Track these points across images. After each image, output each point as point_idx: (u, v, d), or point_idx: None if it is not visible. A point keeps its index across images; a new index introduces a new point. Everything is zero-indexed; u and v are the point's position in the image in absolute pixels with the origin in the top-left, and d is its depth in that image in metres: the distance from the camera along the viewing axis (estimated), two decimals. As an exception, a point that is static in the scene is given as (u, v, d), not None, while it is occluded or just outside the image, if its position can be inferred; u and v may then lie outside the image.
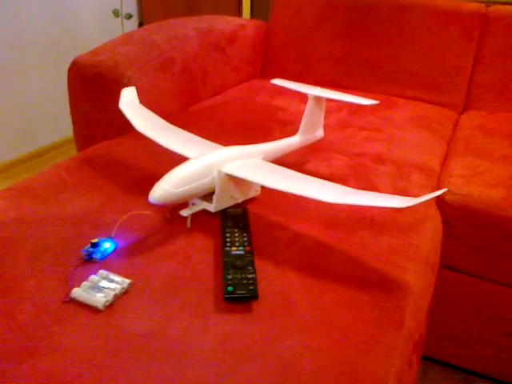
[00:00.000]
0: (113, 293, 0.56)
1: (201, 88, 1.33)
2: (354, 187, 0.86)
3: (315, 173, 0.91)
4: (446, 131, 1.22)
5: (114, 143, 1.01)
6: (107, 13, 2.26)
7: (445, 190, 0.60)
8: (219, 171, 0.69)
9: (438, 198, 0.91)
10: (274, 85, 0.95)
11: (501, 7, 1.38)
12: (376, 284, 0.62)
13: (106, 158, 0.94)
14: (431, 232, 0.78)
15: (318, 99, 0.87)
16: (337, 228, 0.73)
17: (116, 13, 2.25)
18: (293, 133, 0.89)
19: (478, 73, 1.39)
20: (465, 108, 1.41)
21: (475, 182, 0.92)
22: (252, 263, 0.61)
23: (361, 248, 0.69)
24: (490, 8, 1.38)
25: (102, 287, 0.57)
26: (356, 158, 0.98)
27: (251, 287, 0.57)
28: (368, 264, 0.66)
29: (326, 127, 0.91)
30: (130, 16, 2.29)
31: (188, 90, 1.28)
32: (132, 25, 2.39)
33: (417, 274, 0.66)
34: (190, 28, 1.37)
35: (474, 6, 1.38)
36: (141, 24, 2.45)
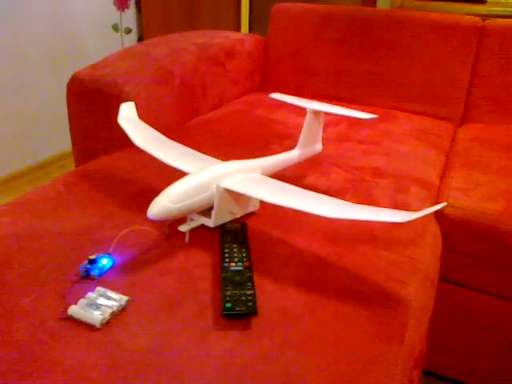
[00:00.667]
0: (110, 310, 0.55)
1: (200, 102, 1.34)
2: (352, 201, 0.87)
3: (314, 187, 0.91)
4: (445, 144, 1.22)
5: (112, 157, 1.01)
6: (107, 27, 2.28)
7: (444, 204, 0.60)
8: (218, 186, 0.69)
9: (437, 211, 0.91)
10: (273, 99, 0.95)
11: (497, 20, 1.39)
12: (376, 299, 0.62)
13: (105, 173, 0.94)
14: (431, 246, 0.78)
15: (316, 113, 0.87)
16: (336, 242, 0.73)
17: (115, 27, 2.27)
18: (291, 147, 0.89)
19: (475, 85, 1.40)
20: (463, 120, 1.42)
21: (474, 195, 0.92)
22: (251, 279, 0.60)
23: (361, 263, 0.69)
24: (487, 21, 1.39)
25: (99, 304, 0.56)
26: (355, 171, 0.98)
27: (250, 303, 0.56)
28: (368, 279, 0.65)
29: (324, 140, 0.91)
30: (129, 31, 2.31)
31: (187, 103, 1.28)
32: (131, 39, 2.41)
33: (417, 289, 0.66)
34: (189, 42, 1.37)
35: (470, 19, 1.40)
36: (140, 39, 2.46)
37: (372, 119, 0.86)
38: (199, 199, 0.67)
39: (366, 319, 0.58)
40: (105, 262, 0.64)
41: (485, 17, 1.45)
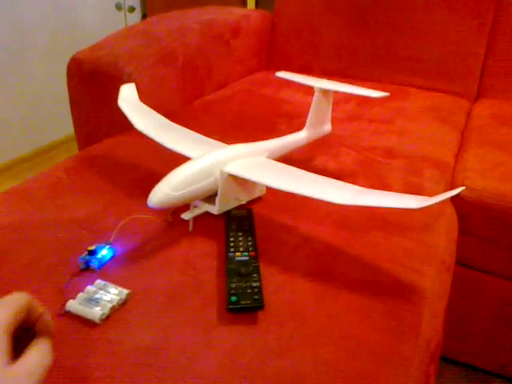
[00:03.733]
0: (110, 305, 0.53)
1: (204, 82, 1.29)
2: (364, 184, 0.82)
3: (323, 169, 0.87)
4: (459, 121, 1.17)
5: (115, 141, 0.98)
6: (110, 7, 2.23)
7: (462, 188, 0.56)
8: (222, 171, 0.65)
9: (452, 193, 0.87)
10: (280, 77, 0.91)
11: (515, -10, 1.32)
12: (390, 289, 0.59)
13: (107, 158, 0.91)
14: (446, 230, 0.74)
15: (324, 92, 0.83)
16: (347, 229, 0.69)
17: (118, 6, 2.21)
18: (299, 127, 0.85)
19: (491, 59, 1.34)
20: (478, 96, 1.36)
21: (491, 175, 0.88)
22: (257, 270, 0.57)
23: (373, 250, 0.65)
24: (504, -8, 1.32)
25: (99, 299, 0.54)
26: (366, 152, 0.94)
27: (256, 296, 0.53)
28: (381, 268, 0.62)
29: (333, 120, 0.87)
30: (132, 9, 2.25)
31: (191, 84, 1.24)
32: (135, 18, 2.36)
33: (432, 278, 0.62)
34: (192, 20, 1.32)
35: (486, -11, 1.33)
36: (144, 16, 2.41)
37: (383, 97, 0.81)
38: (202, 186, 0.64)
39: (379, 312, 0.55)
40: (105, 252, 0.61)
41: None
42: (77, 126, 1.14)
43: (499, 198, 0.83)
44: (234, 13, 1.47)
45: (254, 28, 1.49)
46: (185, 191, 0.61)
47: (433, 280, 0.62)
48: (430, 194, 0.82)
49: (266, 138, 0.96)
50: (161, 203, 0.60)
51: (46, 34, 1.98)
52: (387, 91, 1.33)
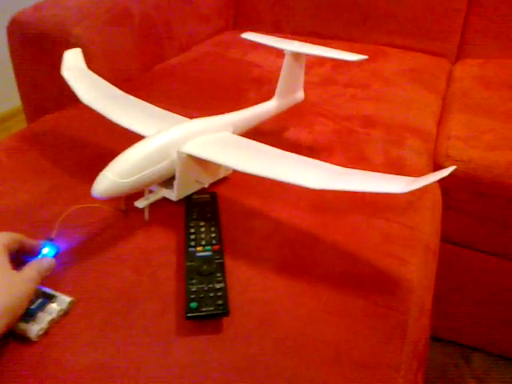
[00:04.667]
0: (49, 318, 0.45)
1: (165, 44, 1.18)
2: (341, 158, 0.76)
3: (296, 142, 0.79)
4: (440, 84, 1.10)
5: (63, 115, 0.88)
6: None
7: (453, 168, 0.49)
8: (179, 152, 0.57)
9: (435, 164, 0.81)
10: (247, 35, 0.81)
11: None
12: (371, 283, 0.52)
13: (54, 134, 0.81)
14: (431, 209, 0.68)
15: (296, 56, 0.74)
16: (323, 212, 0.62)
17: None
18: (270, 94, 0.76)
19: (472, 16, 1.26)
20: (458, 56, 1.28)
21: (476, 144, 0.81)
22: (221, 267, 0.50)
23: (352, 236, 0.58)
24: None
25: (35, 311, 0.45)
26: (342, 121, 0.86)
27: (220, 301, 0.46)
28: (361, 257, 0.55)
29: (306, 85, 0.78)
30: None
31: (150, 46, 1.13)
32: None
33: (418, 266, 0.56)
34: (149, -26, 1.19)
35: None
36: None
37: (361, 60, 0.72)
38: (156, 170, 0.55)
39: (361, 311, 0.48)
40: (46, 251, 0.52)
41: None
42: (23, 96, 1.03)
43: (486, 169, 0.77)
44: (197, -34, 1.33)
45: (219, -17, 1.37)
46: (135, 177, 0.53)
47: (418, 269, 0.56)
48: (413, 167, 0.76)
49: (234, 108, 0.87)
50: (107, 193, 0.51)
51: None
52: (363, 52, 1.24)
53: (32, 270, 0.46)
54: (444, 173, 0.49)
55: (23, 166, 0.72)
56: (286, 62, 0.74)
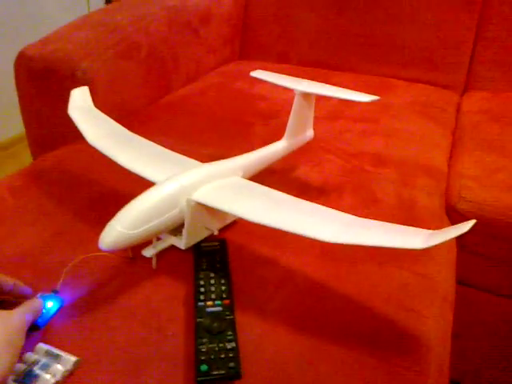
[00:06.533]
0: (52, 381, 0.43)
1: (172, 75, 1.18)
2: (352, 200, 0.74)
3: (305, 182, 0.78)
4: (449, 118, 1.09)
5: (69, 151, 0.87)
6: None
7: (473, 222, 0.47)
8: (188, 200, 0.55)
9: (448, 205, 0.79)
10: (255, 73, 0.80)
11: (505, -27, 1.23)
12: (387, 340, 0.50)
13: (60, 172, 0.79)
14: (446, 255, 0.66)
15: (306, 95, 0.73)
16: (334, 259, 0.61)
17: (80, -13, 2.05)
18: (276, 128, 0.75)
19: (480, 48, 1.25)
20: (466, 88, 1.28)
21: (489, 184, 0.80)
22: (233, 325, 0.48)
23: (365, 287, 0.57)
24: (493, -26, 1.23)
25: (39, 373, 0.44)
26: (352, 159, 0.85)
27: (232, 364, 0.44)
28: (375, 310, 0.53)
29: (314, 119, 0.77)
30: (95, -10, 2.09)
31: (157, 78, 1.12)
32: (98, 1, 2.19)
33: (436, 320, 0.54)
34: (157, 7, 1.19)
35: (475, -28, 1.23)
36: (108, 1, 2.24)
37: (373, 101, 0.71)
38: (165, 219, 0.54)
39: (376, 373, 0.46)
40: (50, 304, 0.51)
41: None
42: (28, 129, 1.02)
43: (499, 211, 0.75)
44: (204, -3, 1.34)
45: (226, 14, 1.37)
46: (144, 228, 0.51)
47: (436, 324, 0.54)
48: (425, 209, 0.74)
49: (241, 143, 0.87)
50: (115, 245, 0.50)
51: (2, 21, 1.80)
52: (370, 83, 1.24)
53: (22, 306, 0.47)
54: (464, 228, 0.47)
55: (27, 206, 0.70)
56: (296, 101, 0.73)
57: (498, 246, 0.77)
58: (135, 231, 0.50)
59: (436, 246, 0.61)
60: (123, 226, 0.50)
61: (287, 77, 0.78)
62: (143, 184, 0.58)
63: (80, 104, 0.74)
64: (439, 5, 1.24)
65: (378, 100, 0.68)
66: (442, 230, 0.48)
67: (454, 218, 0.78)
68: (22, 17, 1.90)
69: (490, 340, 0.86)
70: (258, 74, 0.80)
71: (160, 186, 0.55)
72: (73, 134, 0.92)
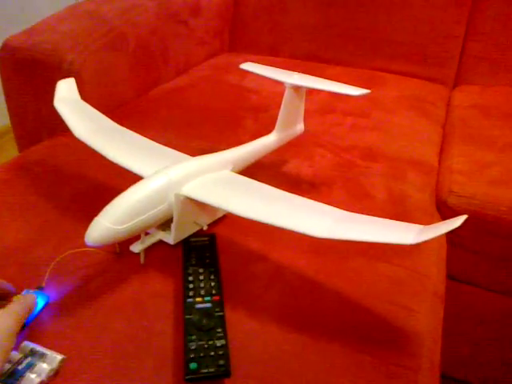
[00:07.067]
0: (37, 380, 0.42)
1: (161, 68, 1.16)
2: (343, 194, 0.74)
3: (296, 176, 0.77)
4: (440, 112, 1.09)
5: (55, 143, 0.85)
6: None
7: (464, 217, 0.47)
8: (177, 195, 0.54)
9: (438, 200, 0.79)
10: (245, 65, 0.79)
11: (496, -33, 1.22)
12: (378, 336, 0.50)
13: (47, 165, 0.78)
14: (436, 250, 0.66)
15: (296, 88, 0.72)
16: (326, 255, 0.60)
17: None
18: (267, 121, 0.74)
19: (471, 42, 1.25)
20: (456, 82, 1.28)
21: (479, 178, 0.80)
22: (222, 321, 0.47)
23: (356, 283, 0.56)
24: (484, -32, 1.23)
25: (23, 372, 0.43)
26: (343, 153, 0.84)
27: (221, 361, 0.43)
28: (366, 306, 0.53)
29: (305, 113, 0.76)
30: (82, -20, 2.05)
31: (145, 71, 1.10)
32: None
33: (427, 316, 0.54)
34: (145, -3, 1.18)
35: (466, -35, 1.23)
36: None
37: (364, 95, 0.70)
38: (153, 214, 0.53)
39: (369, 369, 0.46)
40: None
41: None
42: (14, 121, 1.00)
43: (489, 206, 0.75)
44: (193, -12, 1.32)
45: (215, 5, 1.35)
46: (131, 223, 0.50)
47: (427, 319, 0.54)
48: (416, 204, 0.74)
49: (231, 137, 0.86)
50: (102, 240, 0.48)
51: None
52: (361, 76, 1.23)
53: (15, 304, 0.45)
54: (455, 223, 0.46)
55: (13, 200, 0.69)
56: (287, 95, 0.72)
57: (488, 241, 0.77)
58: (122, 226, 0.49)
59: (427, 241, 0.61)
60: (110, 221, 0.49)
61: (277, 69, 0.77)
62: (131, 178, 0.57)
63: (66, 96, 0.73)
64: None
65: (368, 94, 0.67)
66: (433, 225, 0.48)
67: (445, 212, 0.77)
68: (7, 6, 1.86)
69: (480, 335, 0.86)
70: (248, 66, 0.79)
71: (148, 180, 0.54)
72: (59, 127, 0.91)
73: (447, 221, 0.47)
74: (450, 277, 0.82)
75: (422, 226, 0.48)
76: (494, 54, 1.23)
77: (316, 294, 0.54)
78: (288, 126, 0.74)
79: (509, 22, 1.21)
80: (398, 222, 0.49)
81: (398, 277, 0.58)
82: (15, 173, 0.75)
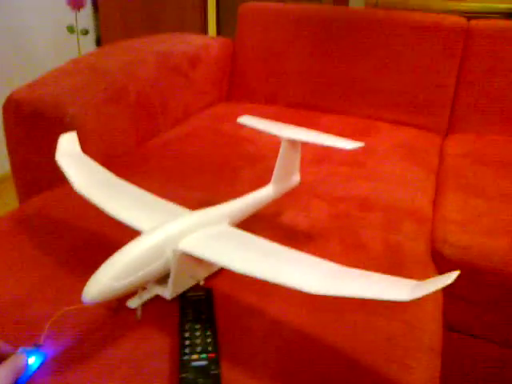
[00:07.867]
0: None
1: (160, 118, 1.19)
2: (338, 246, 0.74)
3: (293, 228, 0.78)
4: (433, 160, 1.11)
5: (56, 195, 0.86)
6: (61, 29, 2.09)
7: (457, 273, 0.48)
8: (175, 250, 0.55)
9: (434, 251, 0.80)
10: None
11: (483, 21, 1.28)
12: (375, 394, 0.49)
13: (46, 217, 0.79)
14: (432, 302, 0.66)
15: (292, 141, 0.74)
16: (322, 309, 0.60)
17: (71, 29, 2.08)
18: (264, 172, 0.75)
19: (461, 92, 1.29)
20: (449, 130, 1.31)
21: (474, 229, 0.81)
22: (218, 380, 0.47)
23: (352, 338, 0.56)
24: (472, 22, 1.28)
25: None
26: (339, 203, 0.86)
27: (217, 423, 0.43)
28: (362, 364, 0.53)
29: (300, 162, 0.78)
30: (86, 32, 2.13)
31: (145, 121, 1.13)
32: (89, 41, 2.23)
33: (423, 372, 0.54)
34: (146, 51, 1.22)
35: (454, 19, 1.28)
36: (98, 40, 2.28)
37: (357, 148, 0.72)
38: (151, 270, 0.53)
39: (366, 430, 0.46)
40: (32, 360, 0.49)
41: (470, 15, 1.33)
42: (16, 173, 1.01)
43: (485, 257, 0.76)
44: (193, 42, 1.37)
45: (214, 57, 1.40)
46: (129, 279, 0.51)
47: (423, 374, 0.53)
48: (411, 255, 0.75)
49: (228, 187, 0.87)
50: (100, 297, 0.49)
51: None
52: (355, 125, 1.27)
53: (3, 368, 0.45)
54: (448, 279, 0.47)
55: (11, 253, 0.69)
56: (283, 147, 0.74)
57: (485, 291, 0.77)
58: (120, 282, 0.50)
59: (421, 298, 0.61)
60: (108, 277, 0.49)
61: (273, 123, 0.79)
62: (130, 231, 0.58)
63: (68, 150, 0.74)
64: (421, 50, 1.29)
65: (362, 146, 0.69)
66: (428, 280, 0.48)
67: (440, 262, 0.78)
68: (13, 60, 1.92)
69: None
70: (245, 120, 0.81)
71: (145, 237, 0.55)
72: (59, 179, 0.93)
73: (441, 276, 0.48)
74: (448, 327, 0.81)
75: (416, 282, 0.49)
76: (485, 104, 1.27)
77: (313, 350, 0.54)
78: (284, 177, 0.76)
79: (498, 73, 1.25)
80: (392, 278, 0.50)
81: (395, 332, 0.58)
82: (14, 224, 0.76)
